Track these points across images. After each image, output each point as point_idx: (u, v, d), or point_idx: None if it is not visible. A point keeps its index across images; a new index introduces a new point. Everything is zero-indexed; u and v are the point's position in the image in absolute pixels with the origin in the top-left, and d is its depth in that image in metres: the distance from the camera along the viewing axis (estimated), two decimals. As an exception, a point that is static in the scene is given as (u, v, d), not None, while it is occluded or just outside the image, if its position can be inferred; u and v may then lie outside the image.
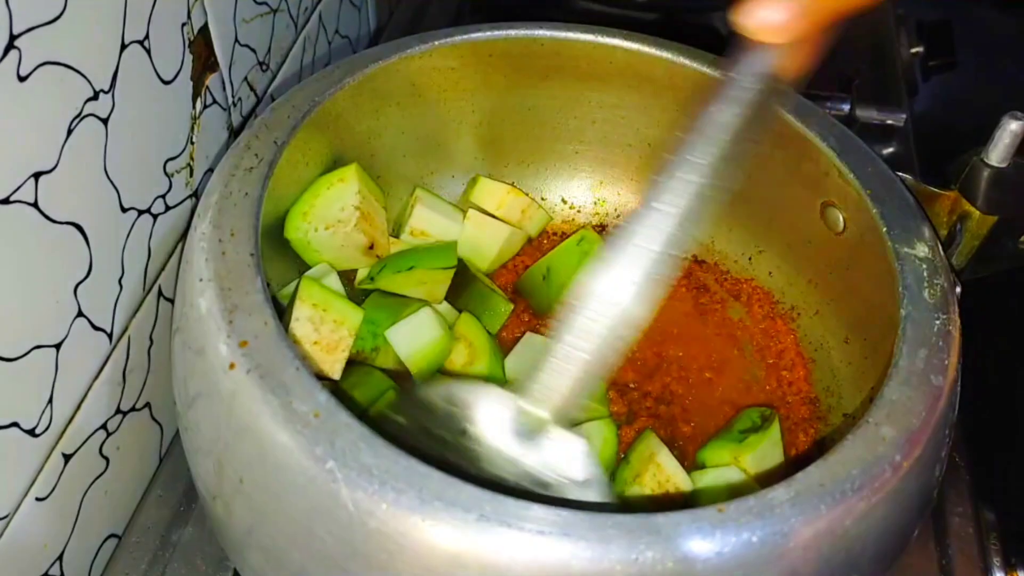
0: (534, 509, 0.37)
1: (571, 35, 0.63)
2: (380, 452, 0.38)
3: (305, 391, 0.40)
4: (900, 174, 0.54)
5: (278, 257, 0.58)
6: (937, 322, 0.47)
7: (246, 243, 0.46)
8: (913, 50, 0.98)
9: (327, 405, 0.39)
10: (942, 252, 0.51)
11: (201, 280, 0.44)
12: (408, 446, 0.38)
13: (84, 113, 0.46)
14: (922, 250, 0.50)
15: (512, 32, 0.62)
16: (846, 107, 0.88)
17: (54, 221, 0.46)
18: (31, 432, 0.47)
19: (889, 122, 0.87)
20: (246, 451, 0.40)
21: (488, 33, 0.62)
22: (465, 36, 0.61)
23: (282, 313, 0.53)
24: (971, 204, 0.52)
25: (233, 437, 0.41)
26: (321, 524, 0.38)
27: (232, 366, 0.41)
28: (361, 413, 0.48)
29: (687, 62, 0.61)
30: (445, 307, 0.62)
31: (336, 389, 0.54)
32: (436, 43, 0.60)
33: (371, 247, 0.59)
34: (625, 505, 0.53)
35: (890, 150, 0.87)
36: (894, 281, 0.49)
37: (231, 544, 0.45)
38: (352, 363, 0.56)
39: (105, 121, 0.48)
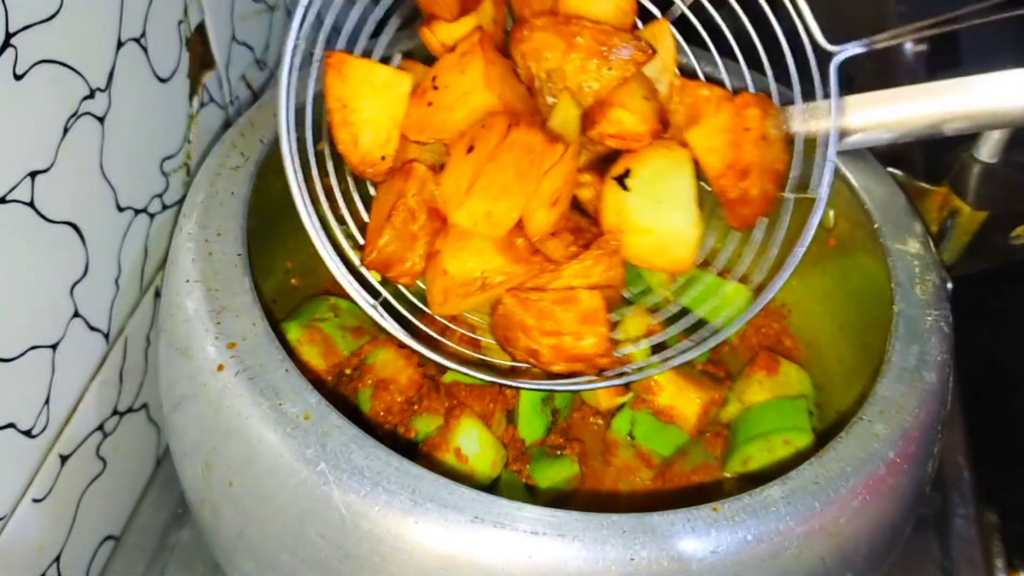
0: (528, 510, 0.36)
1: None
2: (372, 453, 0.37)
3: (295, 392, 0.39)
4: (891, 170, 0.54)
5: (265, 256, 0.58)
6: (929, 318, 0.47)
7: (233, 243, 0.45)
8: (917, 48, 0.98)
9: (318, 406, 0.39)
10: (933, 248, 0.51)
11: (187, 281, 0.44)
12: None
13: (80, 112, 0.46)
14: (914, 246, 0.50)
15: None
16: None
17: (50, 221, 0.45)
18: (28, 433, 0.47)
19: (892, 121, 0.87)
20: (235, 454, 0.40)
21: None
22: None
23: (270, 314, 0.52)
24: (962, 200, 0.52)
25: (221, 440, 0.41)
26: (313, 527, 0.38)
27: (221, 368, 0.41)
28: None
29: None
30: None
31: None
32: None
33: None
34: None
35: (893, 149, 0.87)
36: (886, 277, 0.49)
37: (220, 549, 0.45)
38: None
39: (101, 120, 0.48)
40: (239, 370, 0.40)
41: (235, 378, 0.40)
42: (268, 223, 0.57)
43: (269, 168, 0.51)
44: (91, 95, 0.47)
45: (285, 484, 0.38)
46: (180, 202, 0.58)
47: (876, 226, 0.51)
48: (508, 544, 0.36)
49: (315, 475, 0.37)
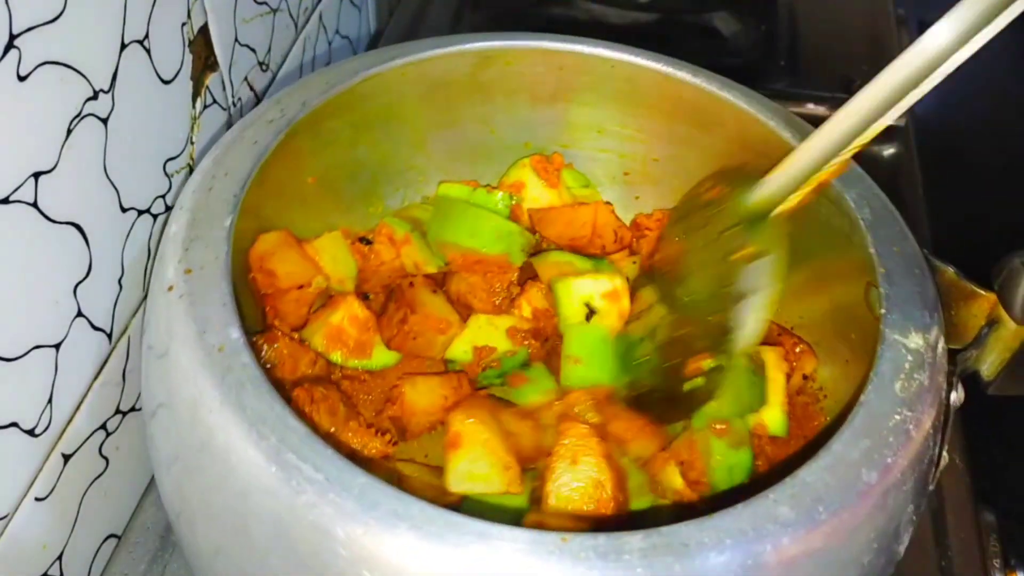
0: (521, 532, 0.35)
1: (562, 46, 0.61)
2: (353, 474, 0.36)
3: (271, 409, 0.38)
4: (942, 265, 0.50)
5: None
6: (897, 417, 0.42)
7: (217, 250, 0.45)
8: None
9: (295, 424, 0.38)
10: (942, 348, 0.46)
11: (170, 286, 0.43)
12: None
13: (84, 113, 0.46)
14: (915, 341, 0.45)
15: (496, 44, 0.60)
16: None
17: (54, 221, 0.46)
18: (31, 432, 0.47)
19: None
20: (212, 467, 0.39)
21: (470, 45, 0.60)
22: (448, 48, 0.59)
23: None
24: (1007, 312, 0.46)
25: (196, 452, 0.39)
26: (292, 546, 0.36)
27: (197, 376, 0.40)
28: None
29: (673, 71, 0.60)
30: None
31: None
32: (416, 56, 0.58)
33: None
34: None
35: (891, 151, 0.87)
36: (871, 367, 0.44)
37: (198, 564, 0.43)
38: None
39: (105, 121, 0.48)
40: (218, 380, 0.39)
41: (213, 388, 0.39)
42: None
43: (259, 176, 0.50)
44: (94, 96, 0.47)
45: (263, 501, 0.37)
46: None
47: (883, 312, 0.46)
48: (500, 568, 0.35)
49: (294, 492, 0.36)
